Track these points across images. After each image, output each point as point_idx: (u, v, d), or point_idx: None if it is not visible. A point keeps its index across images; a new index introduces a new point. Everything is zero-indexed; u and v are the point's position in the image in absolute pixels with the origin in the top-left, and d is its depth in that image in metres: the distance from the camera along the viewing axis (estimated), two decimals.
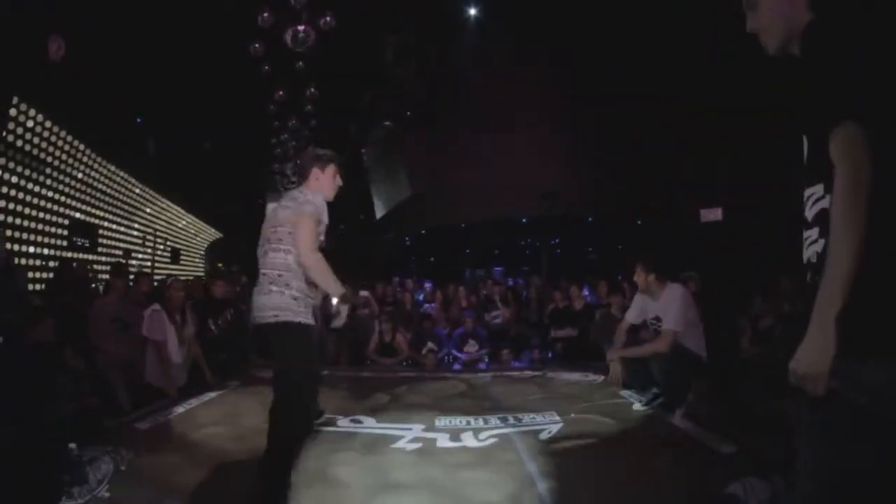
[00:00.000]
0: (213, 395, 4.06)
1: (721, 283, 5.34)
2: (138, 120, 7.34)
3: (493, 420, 3.40)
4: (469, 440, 3.05)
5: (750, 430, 2.91)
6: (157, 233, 9.69)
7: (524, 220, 10.09)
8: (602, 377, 4.45)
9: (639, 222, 8.00)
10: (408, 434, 3.16)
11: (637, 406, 3.61)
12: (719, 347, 3.82)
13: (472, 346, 6.09)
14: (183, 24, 6.77)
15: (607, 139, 7.26)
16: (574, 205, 7.29)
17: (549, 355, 6.11)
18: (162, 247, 9.92)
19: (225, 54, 7.43)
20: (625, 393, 3.91)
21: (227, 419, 3.47)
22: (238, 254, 13.99)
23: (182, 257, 11.21)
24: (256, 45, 6.73)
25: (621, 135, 7.07)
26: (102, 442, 2.86)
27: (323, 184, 2.61)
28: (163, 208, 9.98)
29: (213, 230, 12.71)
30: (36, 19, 5.12)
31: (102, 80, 6.44)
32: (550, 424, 3.28)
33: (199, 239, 12.45)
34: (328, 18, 6.26)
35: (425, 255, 14.57)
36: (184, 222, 11.15)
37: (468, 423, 3.36)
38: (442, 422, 3.39)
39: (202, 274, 11.65)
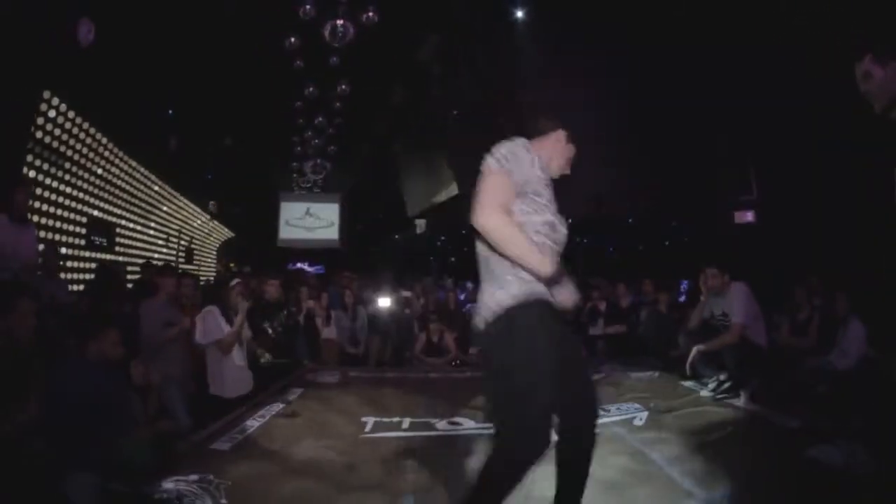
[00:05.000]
0: (281, 405, 3.42)
1: (756, 280, 5.14)
2: (170, 112, 6.47)
3: None
4: None
5: (806, 407, 3.03)
6: (182, 233, 8.77)
7: (570, 220, 9.62)
8: (658, 372, 4.38)
9: (674, 224, 7.76)
10: None
11: (704, 393, 3.57)
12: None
13: None
14: (211, 18, 6.04)
15: (646, 144, 6.92)
16: (615, 207, 6.95)
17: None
18: (186, 244, 9.00)
19: (250, 49, 6.71)
20: (687, 384, 3.86)
21: (313, 430, 2.93)
22: (248, 253, 13.05)
23: (195, 257, 10.27)
24: (292, 40, 6.05)
25: (660, 140, 6.74)
26: (182, 471, 2.24)
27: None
28: (179, 207, 9.05)
29: (226, 230, 11.73)
30: (66, 4, 4.38)
31: (129, 70, 5.64)
32: (637, 412, 3.19)
33: (212, 238, 11.46)
34: (370, 14, 5.65)
35: (446, 256, 13.87)
36: (198, 222, 10.20)
37: None
38: None
39: (215, 273, 10.74)
